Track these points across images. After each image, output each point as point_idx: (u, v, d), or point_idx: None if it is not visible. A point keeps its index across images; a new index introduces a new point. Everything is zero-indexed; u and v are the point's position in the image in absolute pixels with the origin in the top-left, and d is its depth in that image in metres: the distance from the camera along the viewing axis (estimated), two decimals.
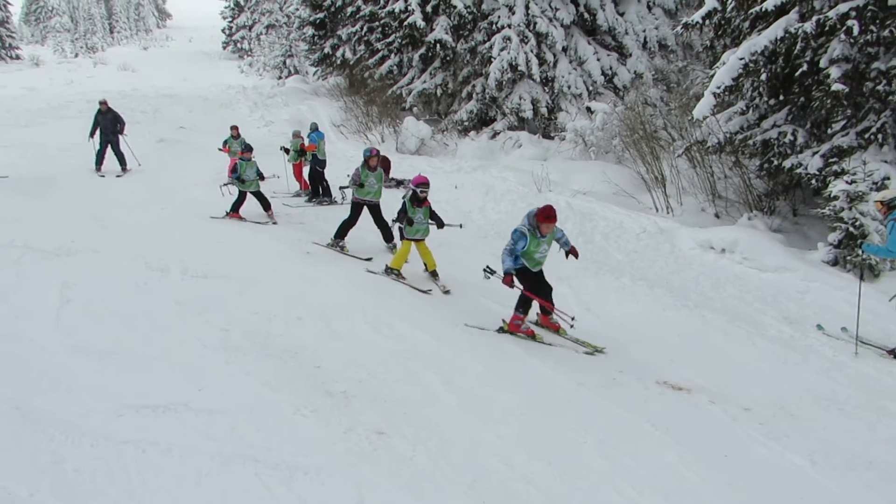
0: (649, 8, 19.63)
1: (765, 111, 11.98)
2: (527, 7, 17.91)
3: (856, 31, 9.69)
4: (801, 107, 11.25)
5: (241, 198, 11.48)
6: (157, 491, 3.56)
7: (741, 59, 10.97)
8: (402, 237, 8.60)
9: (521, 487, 3.97)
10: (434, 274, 8.57)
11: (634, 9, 19.23)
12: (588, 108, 17.29)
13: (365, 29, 23.95)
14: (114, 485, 3.57)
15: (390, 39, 22.11)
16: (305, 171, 14.09)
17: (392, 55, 22.25)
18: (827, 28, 10.12)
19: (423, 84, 20.76)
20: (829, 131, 10.81)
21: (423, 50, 20.63)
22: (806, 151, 10.99)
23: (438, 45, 19.99)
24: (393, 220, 8.80)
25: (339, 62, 26.39)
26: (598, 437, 4.71)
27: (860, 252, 7.51)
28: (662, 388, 5.86)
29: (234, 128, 15.26)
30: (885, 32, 9.55)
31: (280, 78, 33.64)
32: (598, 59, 18.68)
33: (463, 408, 4.97)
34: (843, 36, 9.93)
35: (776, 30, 10.65)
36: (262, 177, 11.58)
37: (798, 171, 10.84)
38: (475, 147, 17.85)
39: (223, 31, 53.22)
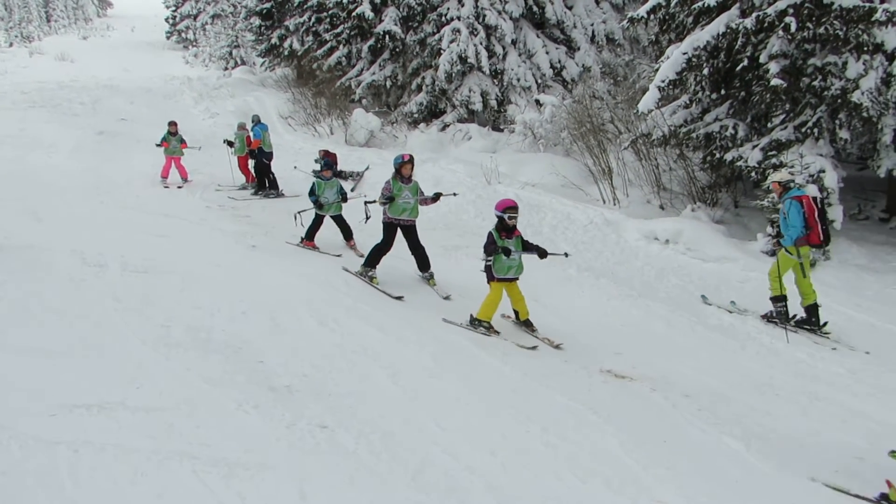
0: (597, 2, 19.87)
1: (707, 105, 12.24)
2: None
3: (793, 27, 9.97)
4: (742, 101, 11.54)
5: (318, 223, 9.66)
6: (90, 492, 3.45)
7: (684, 53, 11.18)
8: (489, 278, 6.90)
9: (464, 478, 3.98)
10: (528, 324, 6.93)
11: (583, 3, 19.43)
12: (537, 101, 17.40)
13: (313, 19, 23.63)
14: (44, 487, 3.44)
15: (339, 30, 21.86)
16: (251, 163, 13.83)
17: (340, 46, 21.99)
18: (766, 24, 10.39)
19: (373, 76, 20.58)
20: (769, 125, 11.11)
21: (371, 41, 20.46)
22: (746, 145, 11.28)
23: (387, 37, 19.84)
24: (484, 260, 6.92)
25: (286, 53, 25.98)
26: (542, 426, 4.75)
27: (783, 248, 7.86)
28: (606, 376, 5.96)
29: (173, 123, 14.29)
30: (821, 29, 9.85)
31: (226, 69, 32.94)
32: (547, 53, 18.82)
33: (408, 400, 4.96)
34: (781, 32, 10.21)
35: (718, 25, 10.89)
36: (345, 198, 9.79)
37: (739, 163, 11.12)
38: (425, 139, 17.81)
39: (167, 20, 51.73)
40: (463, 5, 17.91)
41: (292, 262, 8.65)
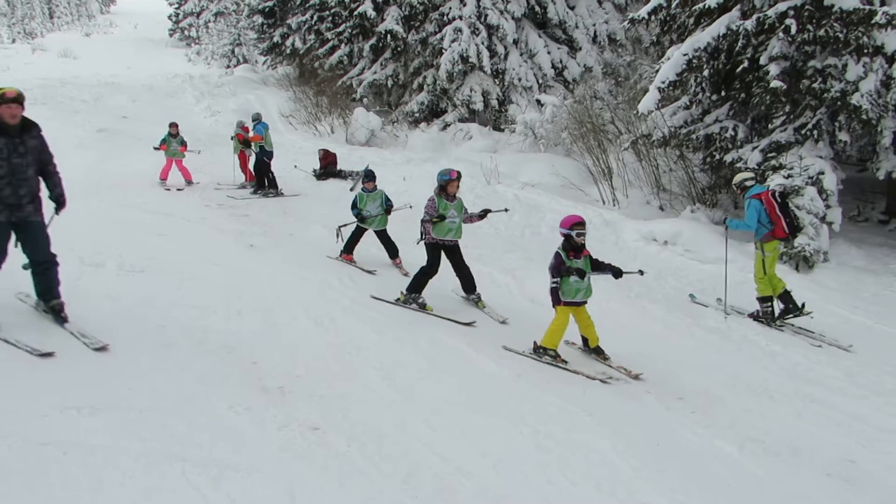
0: (599, 2, 19.88)
1: (708, 106, 12.24)
2: None
3: (793, 29, 9.97)
4: (742, 102, 11.53)
5: (358, 236, 9.10)
6: (77, 494, 3.45)
7: (685, 54, 11.18)
8: (555, 302, 6.28)
9: (455, 480, 3.97)
10: (599, 352, 6.37)
11: (585, 3, 19.45)
12: (538, 101, 17.42)
13: (315, 18, 23.68)
14: (30, 489, 3.44)
15: (340, 29, 21.89)
16: (251, 162, 13.84)
17: (342, 45, 22.03)
18: (766, 26, 10.39)
19: (374, 75, 20.61)
20: (769, 127, 11.10)
21: (373, 40, 20.49)
22: (746, 146, 11.28)
23: (389, 36, 19.87)
24: (551, 283, 6.23)
25: (288, 51, 26.03)
26: (535, 428, 4.74)
27: (726, 228, 8.46)
28: (601, 377, 5.95)
29: (174, 125, 13.88)
30: (821, 32, 9.84)
31: (228, 67, 33.02)
32: (549, 53, 18.83)
33: (401, 402, 4.96)
34: (781, 34, 10.21)
35: (719, 27, 10.89)
36: (389, 210, 9.15)
37: (738, 165, 11.11)
38: (426, 139, 17.83)
39: (170, 17, 51.82)
40: (465, 5, 17.92)
41: (289, 262, 8.65)
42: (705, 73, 11.58)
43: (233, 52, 34.30)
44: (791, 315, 7.89)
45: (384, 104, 21.58)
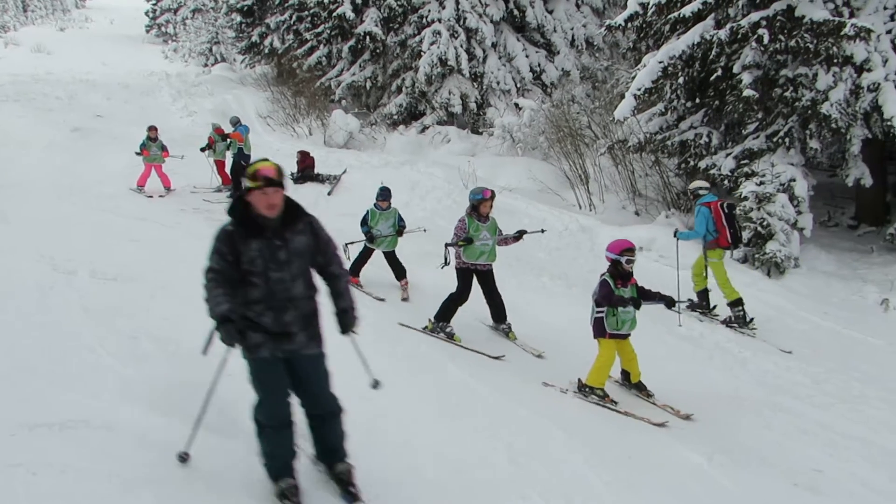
0: (578, 6, 19.99)
1: (682, 113, 12.40)
2: (457, 2, 17.95)
3: (766, 39, 10.13)
4: (717, 110, 11.71)
5: (366, 257, 8.57)
6: None
7: (660, 62, 11.31)
8: (599, 333, 5.88)
9: (427, 497, 4.00)
10: (641, 387, 6.06)
11: (563, 7, 19.55)
12: (516, 105, 17.50)
13: (294, 18, 23.54)
14: None
15: (319, 30, 21.81)
16: (227, 166, 13.75)
17: (321, 46, 21.95)
18: (740, 35, 10.55)
19: (353, 76, 20.56)
20: (743, 133, 11.27)
21: (352, 42, 20.45)
22: (720, 153, 11.46)
23: (368, 38, 19.83)
24: (595, 312, 5.91)
25: (266, 51, 25.86)
26: (508, 442, 4.79)
27: (676, 239, 8.76)
28: (573, 388, 6.01)
29: (153, 129, 13.39)
30: (793, 42, 10.01)
31: (206, 65, 32.71)
32: (527, 56, 18.92)
33: (374, 417, 4.96)
34: (754, 44, 10.37)
35: (693, 35, 11.03)
36: (401, 231, 8.56)
37: (712, 171, 11.28)
38: (404, 141, 17.84)
39: (147, 13, 51.22)
40: (444, 8, 17.94)
41: None
42: (680, 80, 11.74)
43: (210, 50, 33.98)
44: (701, 311, 8.61)
45: (362, 106, 21.54)
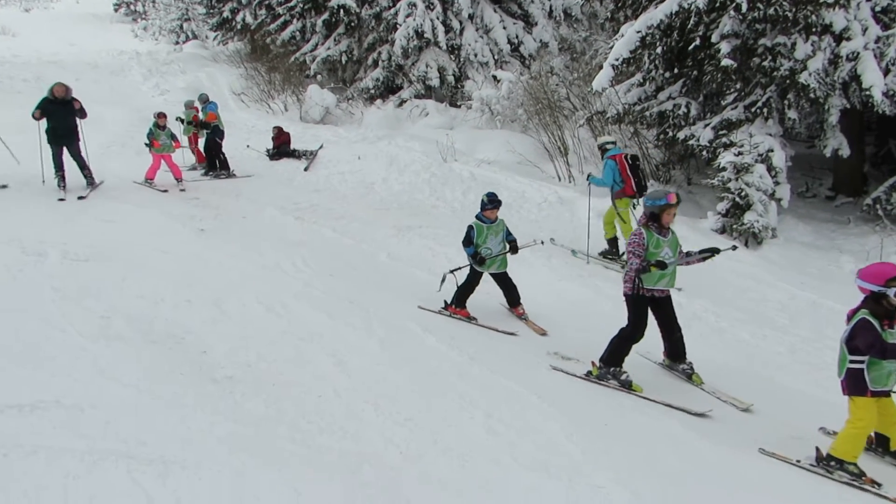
0: None
1: (661, 83, 12.32)
2: None
3: (744, 7, 10.05)
4: (695, 80, 11.63)
5: (474, 283, 6.96)
6: (18, 498, 3.35)
7: (638, 31, 11.19)
8: (854, 389, 4.56)
9: (403, 466, 3.98)
10: None
11: None
12: (494, 77, 17.30)
13: None
14: None
15: (292, 3, 21.36)
16: (201, 143, 13.48)
17: (294, 20, 21.52)
18: (718, 4, 10.46)
19: (328, 51, 20.22)
20: (721, 104, 11.23)
21: (326, 15, 20.06)
22: (699, 123, 11.41)
23: (342, 11, 19.49)
24: (854, 361, 4.56)
25: (239, 27, 25.33)
26: (486, 412, 4.77)
27: (588, 183, 9.47)
28: (553, 358, 6.00)
29: (162, 115, 12.03)
30: (771, 10, 9.92)
31: (177, 43, 32.00)
32: (505, 28, 18.68)
33: (352, 389, 4.93)
34: (732, 12, 10.28)
35: (671, 4, 10.89)
36: (514, 247, 7.03)
37: (691, 142, 11.25)
38: (381, 116, 17.61)
39: None
40: None
41: (241, 246, 8.49)
42: (658, 50, 11.63)
43: (181, 27, 33.27)
44: (610, 257, 9.16)
45: (339, 81, 21.21)
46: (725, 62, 10.26)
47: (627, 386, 5.51)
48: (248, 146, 14.17)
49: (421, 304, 7.07)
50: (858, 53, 9.53)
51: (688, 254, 5.85)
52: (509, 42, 18.64)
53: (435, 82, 18.03)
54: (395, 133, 15.60)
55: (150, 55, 26.87)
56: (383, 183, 12.14)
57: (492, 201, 6.98)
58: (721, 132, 10.81)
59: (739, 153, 10.18)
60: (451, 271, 7.09)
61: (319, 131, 16.15)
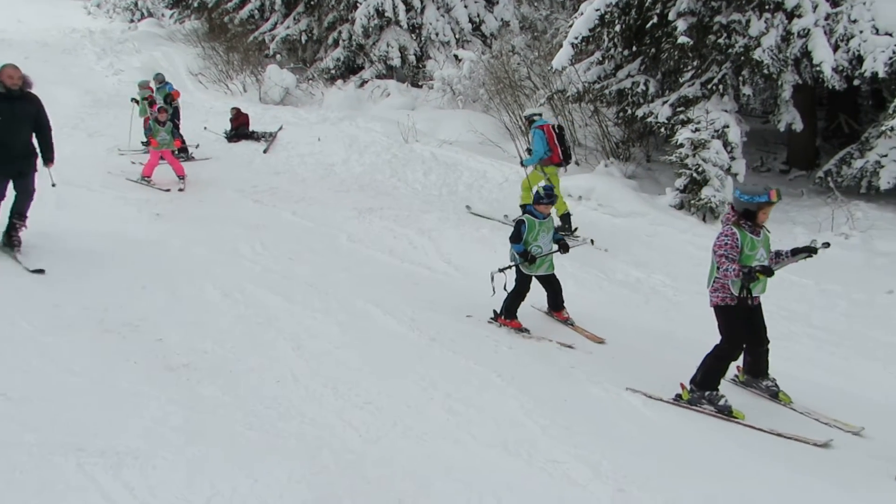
0: None
1: (620, 61, 12.36)
2: None
3: None
4: (653, 58, 11.70)
5: (525, 288, 6.41)
6: None
7: (597, 10, 11.21)
8: None
9: (363, 449, 3.99)
10: None
11: None
12: (456, 56, 17.21)
13: None
14: None
15: None
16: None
17: None
18: None
19: (287, 30, 19.87)
20: (679, 81, 11.33)
21: None
22: (657, 101, 11.50)
23: None
24: None
25: (196, 5, 24.68)
26: (446, 392, 4.79)
27: (523, 165, 9.76)
28: (512, 337, 6.05)
29: (163, 110, 11.19)
30: None
31: (132, 21, 31.09)
32: (466, 7, 18.55)
33: (310, 373, 4.91)
34: None
35: None
36: (564, 245, 6.57)
37: (649, 119, 11.34)
38: (342, 96, 17.40)
39: None
40: None
41: (198, 230, 8.36)
42: (617, 28, 11.64)
43: (136, 4, 32.25)
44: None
45: (298, 61, 20.87)
46: (682, 40, 10.34)
47: (727, 412, 4.92)
48: (205, 128, 13.91)
49: (455, 310, 6.52)
50: (809, 30, 9.69)
51: (777, 254, 5.14)
52: (471, 21, 18.53)
53: (396, 62, 17.87)
54: (356, 114, 15.43)
55: (103, 33, 26.12)
56: (344, 164, 12.03)
57: (548, 195, 6.41)
58: (679, 109, 10.92)
59: (696, 130, 10.29)
60: (500, 270, 6.42)
61: (279, 112, 15.91)
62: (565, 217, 9.34)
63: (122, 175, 11.01)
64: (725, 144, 10.32)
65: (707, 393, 5.01)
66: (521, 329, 6.28)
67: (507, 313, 6.34)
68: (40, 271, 6.37)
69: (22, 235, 6.95)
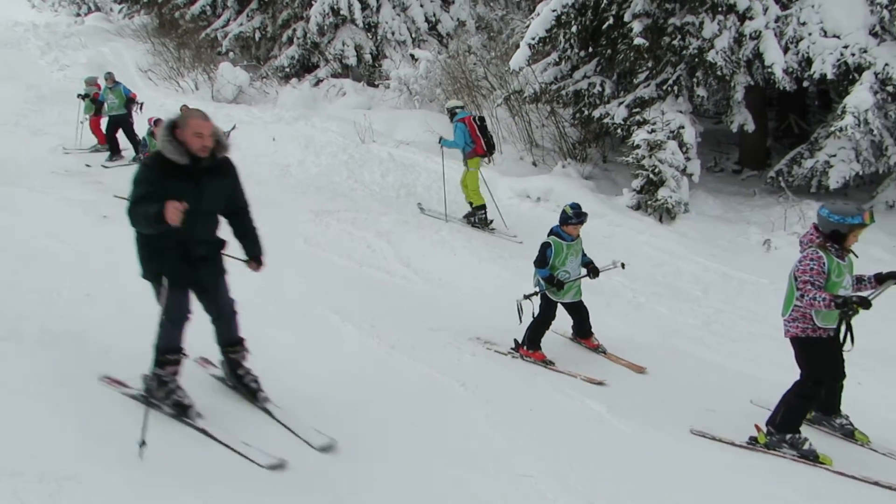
0: None
1: (576, 62, 12.40)
2: None
3: None
4: (609, 59, 11.76)
5: (550, 316, 6.00)
6: None
7: (553, 10, 11.22)
8: None
9: (322, 468, 3.83)
10: None
11: None
12: (412, 56, 17.06)
13: None
14: None
15: None
16: (103, 123, 12.73)
17: None
18: None
19: (240, 27, 19.45)
20: (634, 82, 11.41)
21: None
22: (613, 102, 11.56)
23: None
24: None
25: (146, 0, 24.03)
26: (408, 403, 4.67)
27: (441, 146, 10.03)
28: (475, 345, 5.96)
29: (159, 122, 9.84)
30: None
31: (78, 15, 30.10)
32: (422, 6, 18.41)
33: (267, 382, 4.71)
34: None
35: None
36: (594, 269, 6.04)
37: (606, 120, 11.39)
38: (297, 95, 17.08)
39: None
40: None
41: None
42: (573, 29, 11.66)
43: None
44: (474, 223, 9.65)
45: (252, 59, 20.44)
46: (637, 41, 10.40)
47: (812, 458, 4.41)
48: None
49: (415, 316, 6.35)
50: (760, 32, 9.87)
51: (859, 279, 4.61)
52: (427, 20, 18.40)
53: (352, 61, 17.64)
54: (311, 113, 15.16)
55: (48, 27, 25.14)
56: (299, 165, 11.79)
57: (577, 215, 5.85)
58: (634, 110, 10.99)
59: (652, 130, 10.38)
60: (526, 297, 5.99)
61: (232, 111, 15.53)
62: (480, 208, 9.61)
63: (66, 175, 10.57)
64: (681, 145, 10.43)
65: (788, 437, 4.53)
66: (545, 361, 5.83)
67: (531, 344, 5.88)
68: None
69: None
